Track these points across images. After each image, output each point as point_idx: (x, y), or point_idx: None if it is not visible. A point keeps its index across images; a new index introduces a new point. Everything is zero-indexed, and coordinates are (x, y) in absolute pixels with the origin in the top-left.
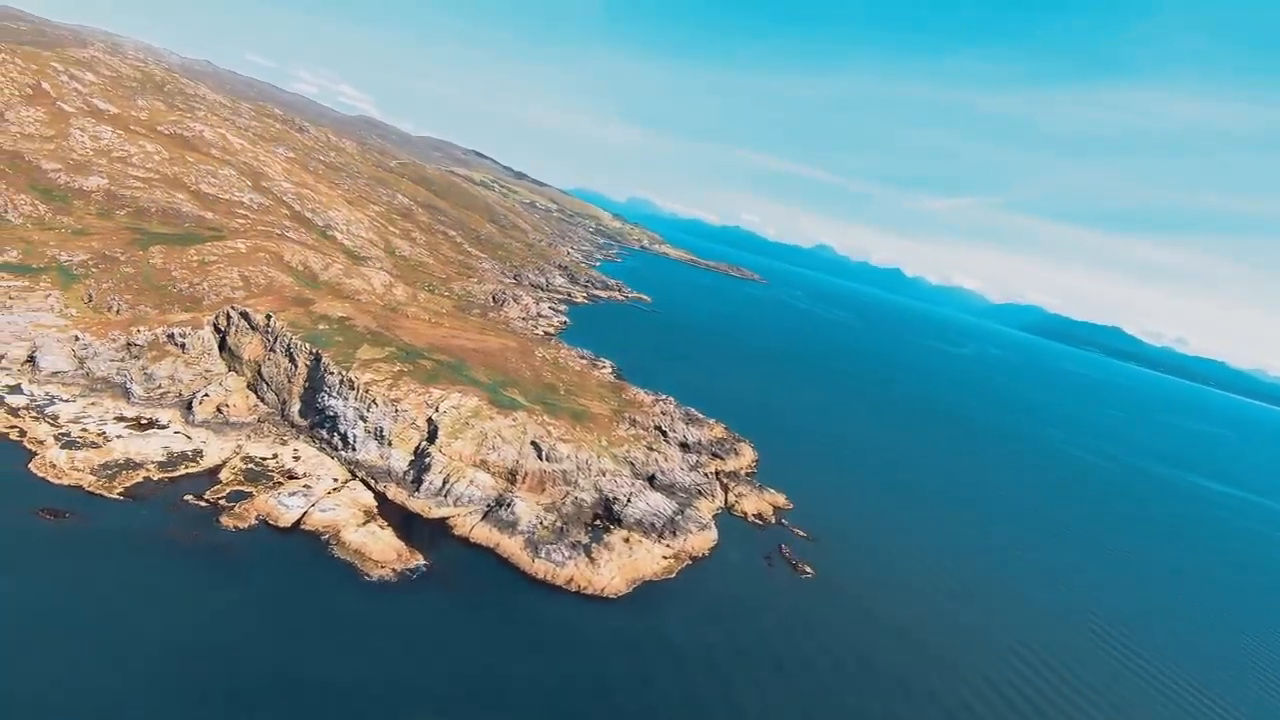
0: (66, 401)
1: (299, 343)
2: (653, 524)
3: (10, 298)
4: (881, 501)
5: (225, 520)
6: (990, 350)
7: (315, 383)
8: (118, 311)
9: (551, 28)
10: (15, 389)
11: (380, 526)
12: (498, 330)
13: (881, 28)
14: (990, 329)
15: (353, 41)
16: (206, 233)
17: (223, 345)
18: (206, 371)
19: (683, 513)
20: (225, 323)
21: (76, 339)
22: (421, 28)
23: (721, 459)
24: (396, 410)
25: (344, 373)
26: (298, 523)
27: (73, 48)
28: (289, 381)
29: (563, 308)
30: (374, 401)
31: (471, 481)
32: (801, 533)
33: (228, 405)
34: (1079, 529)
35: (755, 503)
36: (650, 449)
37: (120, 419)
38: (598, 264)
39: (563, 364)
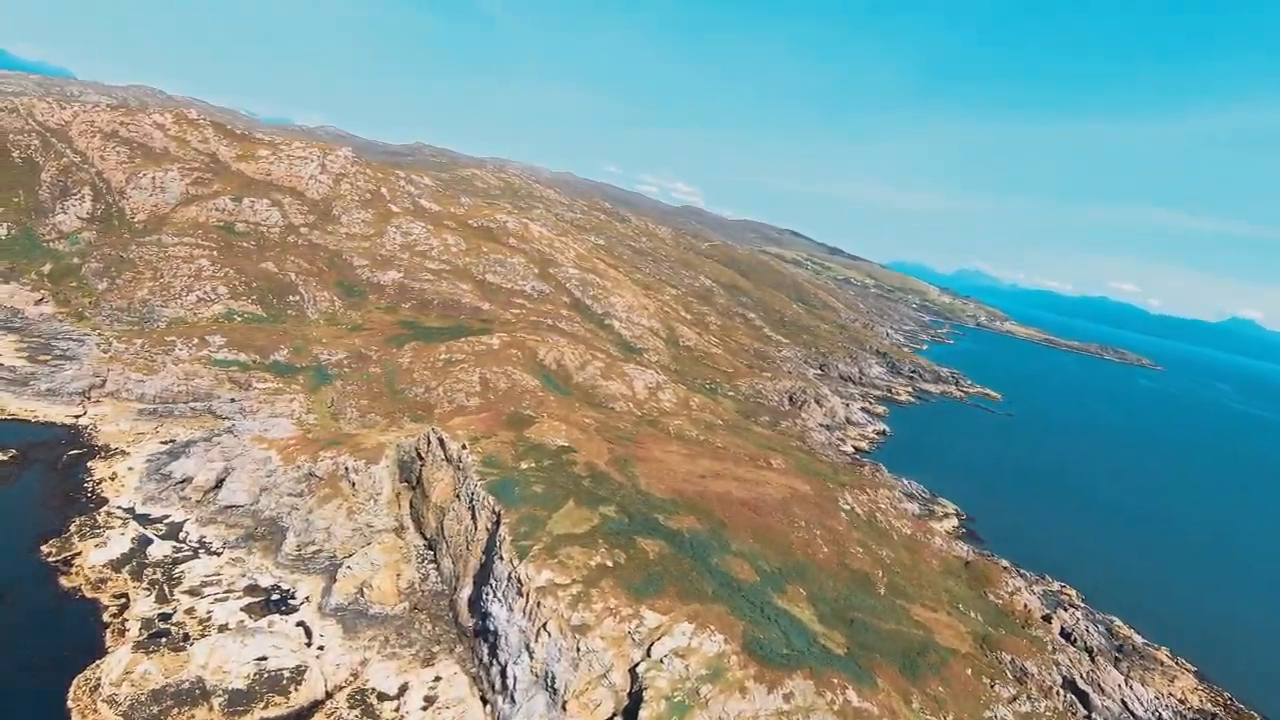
0: (211, 554)
1: (482, 493)
2: None
3: (260, 402)
4: None
5: None
6: None
7: (489, 560)
8: (349, 419)
9: (868, 103)
10: (176, 529)
11: None
12: (787, 454)
13: None
14: None
15: (685, 142)
16: (476, 324)
17: (419, 480)
18: (366, 526)
19: None
20: (425, 447)
21: (267, 462)
22: (744, 120)
23: None
24: (579, 649)
25: (514, 562)
26: None
27: (463, 168)
28: (467, 548)
29: (880, 409)
30: (544, 626)
31: None
32: None
33: (370, 587)
34: None
35: None
36: None
37: (251, 589)
38: (924, 348)
39: (881, 523)
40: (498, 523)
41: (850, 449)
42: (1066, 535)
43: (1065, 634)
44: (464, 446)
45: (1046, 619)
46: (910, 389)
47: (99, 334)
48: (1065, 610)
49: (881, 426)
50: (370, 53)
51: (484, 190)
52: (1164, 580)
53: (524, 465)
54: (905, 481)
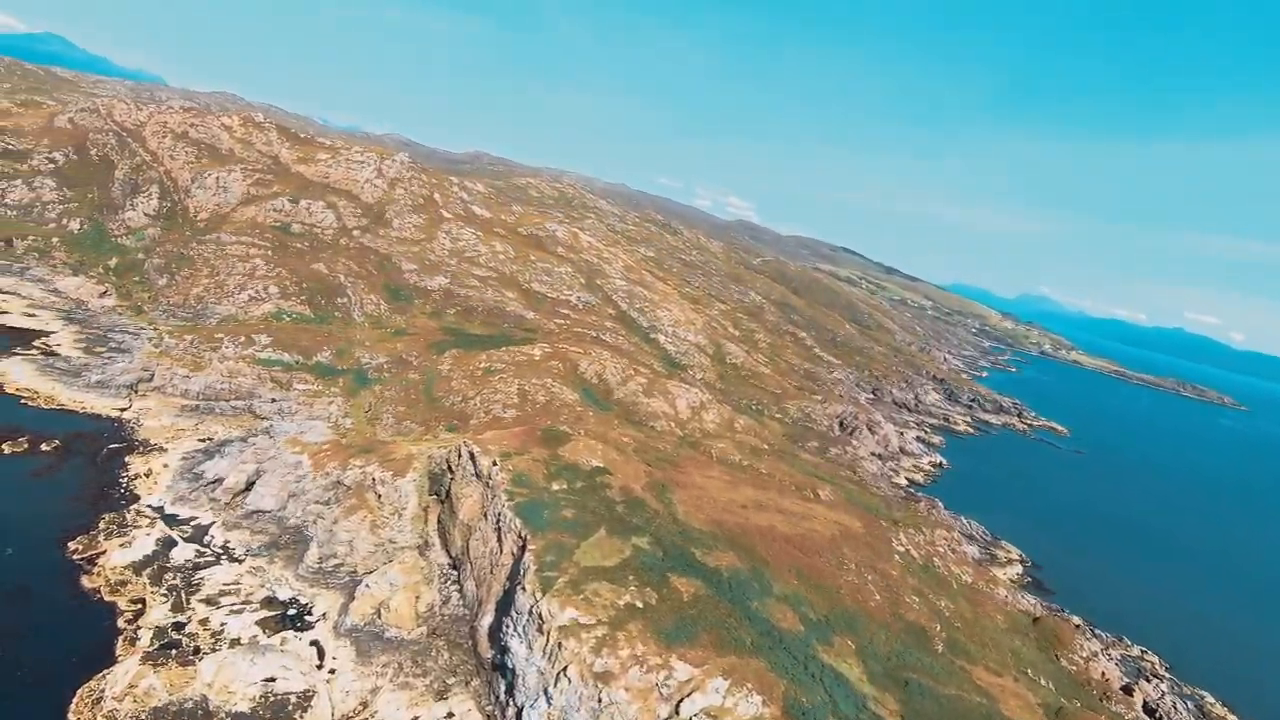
0: (233, 561)
1: (509, 515)
2: None
3: (299, 403)
4: None
5: None
6: None
7: (512, 589)
8: (384, 425)
9: (931, 119)
10: (201, 532)
11: None
12: (836, 485)
13: None
14: None
15: (739, 156)
16: (518, 334)
17: (448, 495)
18: (389, 542)
19: None
20: (456, 461)
21: (298, 467)
22: (800, 134)
23: None
24: (600, 699)
25: (537, 595)
26: None
27: (519, 177)
28: (491, 571)
29: (936, 439)
30: (565, 671)
31: None
32: None
33: (387, 609)
34: None
35: None
36: None
37: (268, 602)
38: (984, 375)
39: (939, 569)
40: (523, 548)
41: (904, 481)
42: (1146, 591)
43: (1149, 710)
44: (494, 463)
45: (1127, 690)
46: (969, 419)
47: (154, 328)
48: (1148, 681)
49: (938, 458)
50: (437, 64)
51: (537, 199)
52: (1263, 650)
53: (555, 486)
54: (963, 520)
